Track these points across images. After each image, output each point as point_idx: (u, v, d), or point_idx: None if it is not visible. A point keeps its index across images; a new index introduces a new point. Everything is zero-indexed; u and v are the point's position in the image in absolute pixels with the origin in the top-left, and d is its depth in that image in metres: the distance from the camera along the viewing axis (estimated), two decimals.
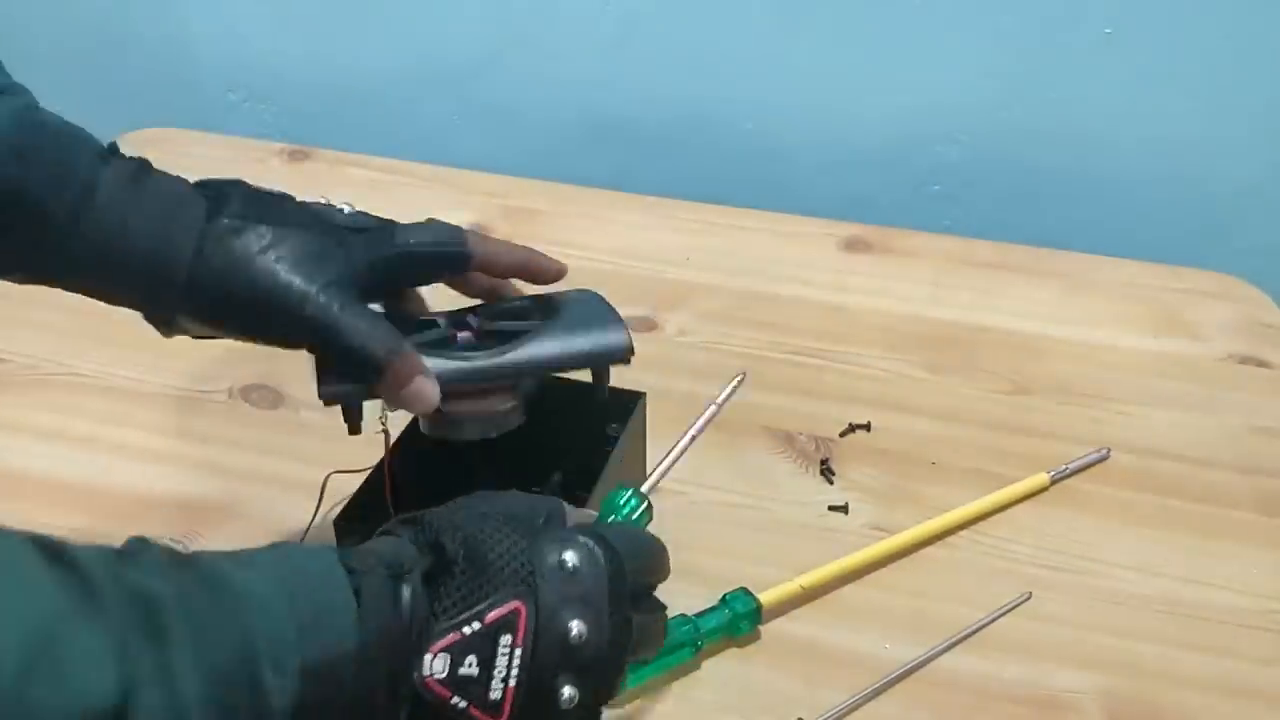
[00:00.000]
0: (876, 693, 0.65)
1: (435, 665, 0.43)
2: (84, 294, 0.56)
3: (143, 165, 0.57)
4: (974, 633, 0.69)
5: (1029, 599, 0.71)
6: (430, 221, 0.61)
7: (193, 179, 0.60)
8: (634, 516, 0.60)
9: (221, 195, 0.57)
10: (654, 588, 0.53)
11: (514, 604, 0.44)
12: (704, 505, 0.77)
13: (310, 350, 0.56)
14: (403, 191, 1.12)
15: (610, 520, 0.60)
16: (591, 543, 0.47)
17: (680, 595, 0.70)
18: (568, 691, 0.45)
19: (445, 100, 1.23)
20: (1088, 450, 0.81)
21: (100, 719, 0.34)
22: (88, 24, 1.30)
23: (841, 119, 1.13)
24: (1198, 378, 0.89)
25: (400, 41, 1.21)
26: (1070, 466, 0.80)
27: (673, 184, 1.15)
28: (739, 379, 0.68)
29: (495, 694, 0.44)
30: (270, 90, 1.29)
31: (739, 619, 0.67)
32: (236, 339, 0.57)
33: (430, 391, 0.55)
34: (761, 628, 0.68)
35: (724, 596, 0.68)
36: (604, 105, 1.19)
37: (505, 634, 0.44)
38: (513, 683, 0.44)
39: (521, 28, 1.17)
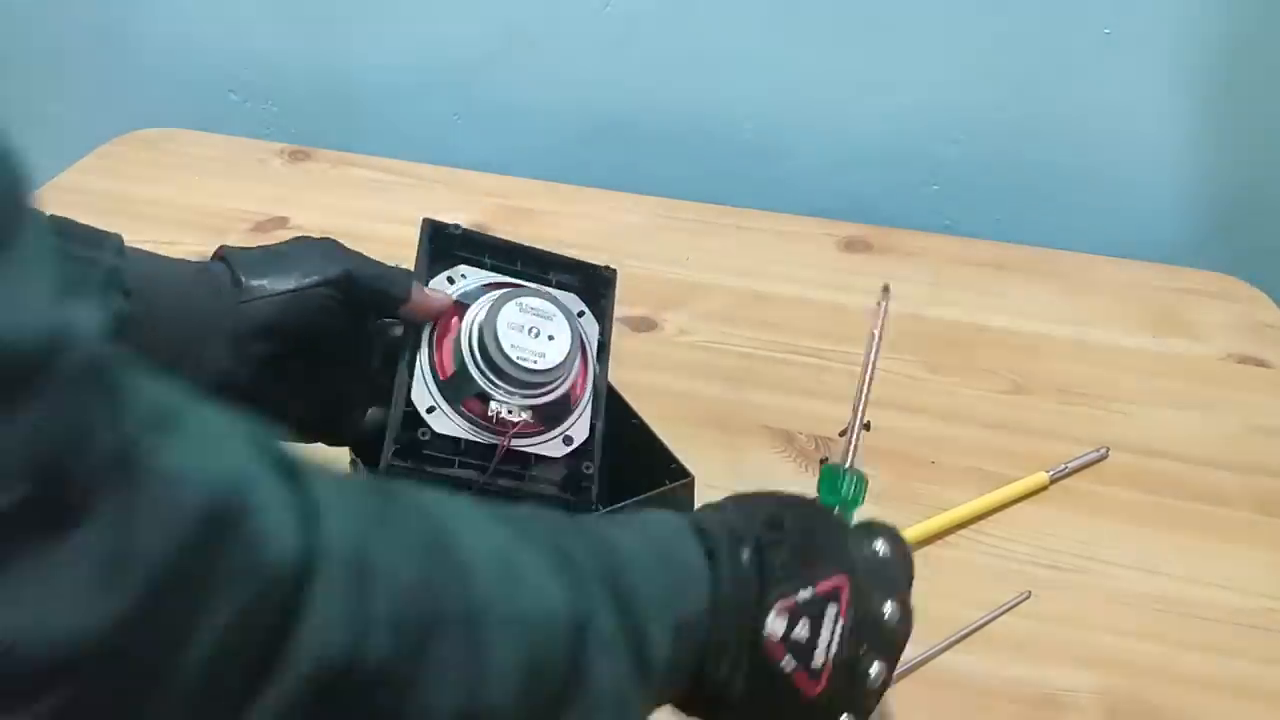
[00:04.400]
0: None
1: (775, 624, 0.45)
2: None
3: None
4: (974, 632, 0.69)
5: (1029, 598, 0.71)
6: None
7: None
8: (858, 495, 0.64)
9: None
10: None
11: (839, 577, 0.47)
12: None
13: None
14: (403, 191, 1.12)
15: (834, 500, 0.64)
16: (897, 534, 0.52)
17: None
18: (876, 669, 0.48)
19: (445, 100, 1.23)
20: (1087, 450, 0.81)
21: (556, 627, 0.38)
22: (88, 24, 1.30)
23: (841, 119, 1.13)
24: (1197, 378, 0.89)
25: (400, 41, 1.21)
26: (1070, 466, 0.80)
27: (673, 184, 1.15)
28: (885, 295, 0.69)
29: (818, 661, 0.46)
30: (270, 90, 1.29)
31: None
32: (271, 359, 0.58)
33: (440, 299, 0.62)
34: None
35: None
36: (604, 105, 1.19)
37: (832, 604, 0.47)
38: (834, 650, 0.46)
39: (522, 28, 1.17)
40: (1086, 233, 1.10)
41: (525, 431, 0.62)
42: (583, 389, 0.65)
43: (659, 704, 0.45)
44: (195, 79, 1.30)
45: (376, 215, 1.07)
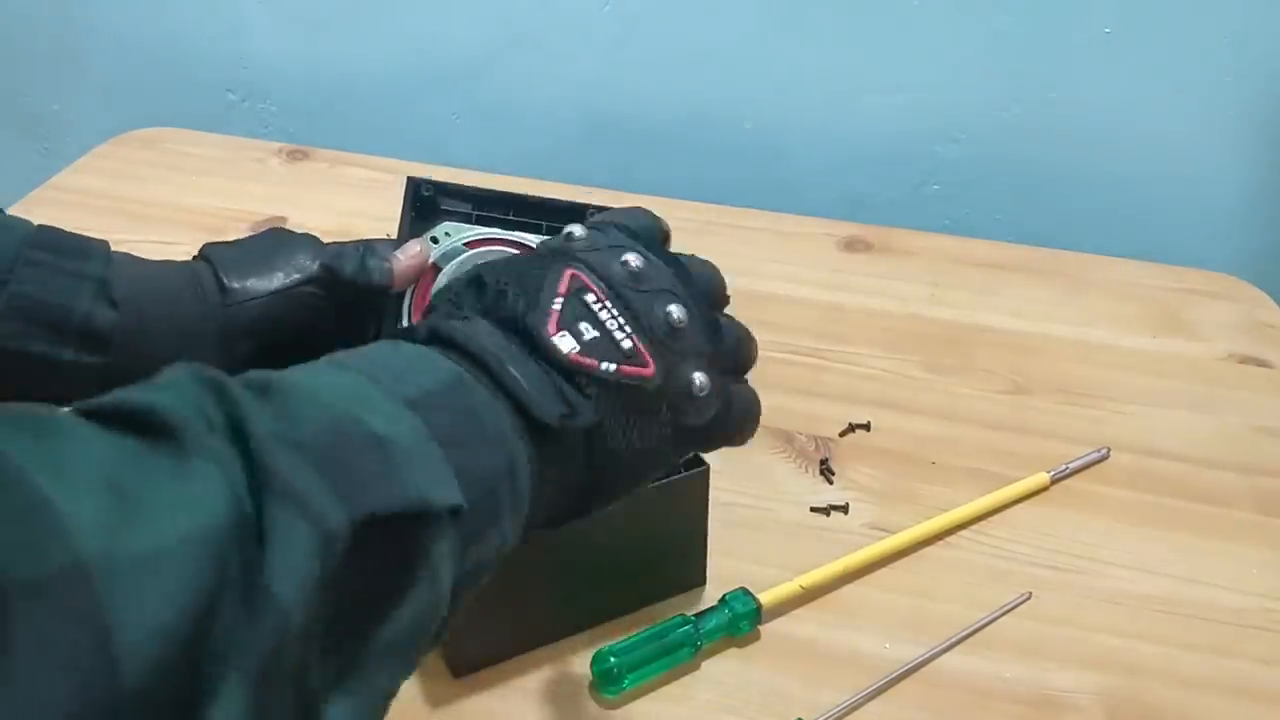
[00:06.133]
0: (876, 693, 0.65)
1: (562, 342, 0.42)
2: (113, 380, 0.56)
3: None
4: (974, 633, 0.69)
5: (1029, 599, 0.71)
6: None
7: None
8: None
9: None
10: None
11: (566, 271, 0.44)
12: None
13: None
14: (401, 192, 1.12)
15: None
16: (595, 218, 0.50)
17: (680, 595, 0.70)
18: (676, 313, 0.45)
19: (445, 100, 1.23)
20: (1087, 450, 0.81)
21: (221, 532, 0.30)
22: (87, 24, 1.30)
23: (841, 119, 1.13)
24: (1198, 378, 0.89)
25: (400, 41, 1.21)
26: (1070, 466, 0.80)
27: (673, 184, 1.15)
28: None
29: (625, 345, 0.43)
30: (270, 90, 1.28)
31: (739, 619, 0.67)
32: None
33: (413, 266, 0.61)
34: (761, 628, 0.68)
35: (724, 596, 0.68)
36: (604, 105, 1.18)
37: (585, 293, 0.43)
38: (629, 324, 0.43)
39: (521, 28, 1.17)
40: (1086, 233, 1.10)
41: None
42: None
43: (525, 482, 0.39)
44: (193, 78, 1.29)
45: (375, 215, 1.06)
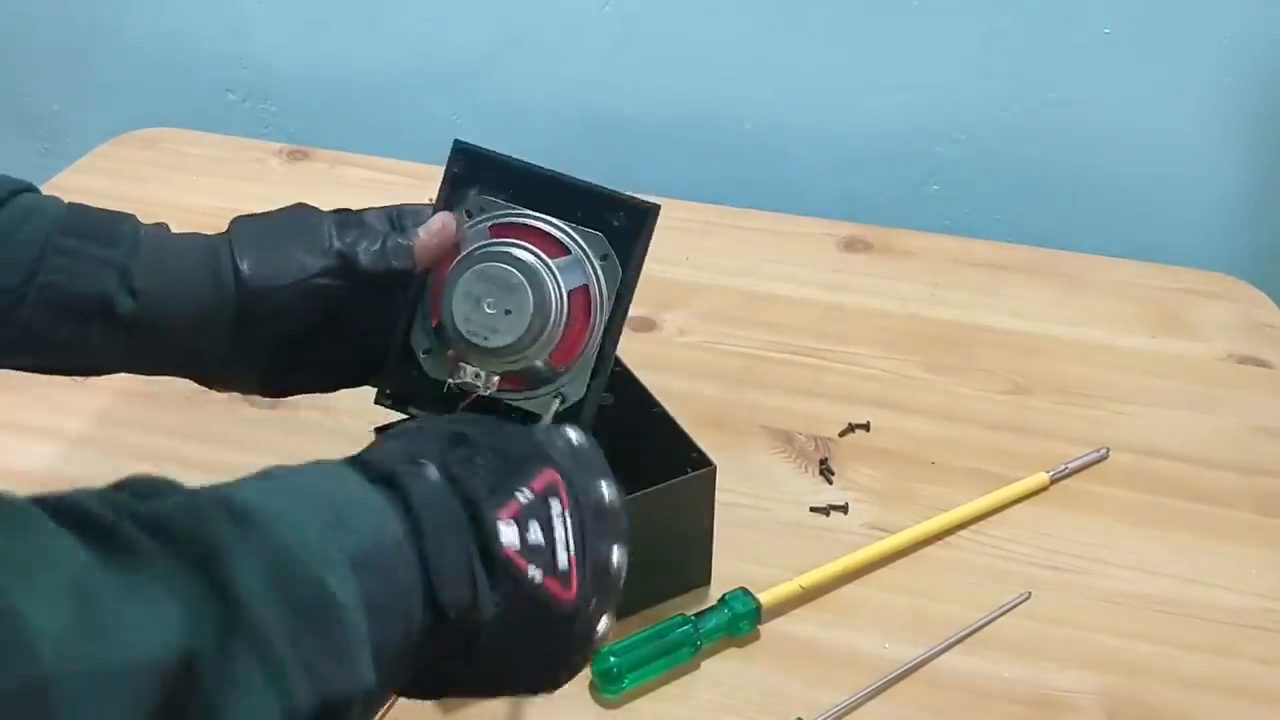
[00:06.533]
0: (876, 693, 0.65)
1: (508, 534, 0.43)
2: (137, 359, 0.57)
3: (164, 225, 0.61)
4: (974, 633, 0.69)
5: (1029, 599, 0.71)
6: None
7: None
8: None
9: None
10: None
11: (547, 472, 0.45)
12: None
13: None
14: (402, 191, 1.11)
15: None
16: (580, 427, 0.51)
17: (680, 595, 0.70)
18: (617, 558, 0.46)
19: (445, 100, 1.23)
20: (1087, 450, 0.81)
21: (165, 671, 0.30)
22: (87, 24, 1.30)
23: (841, 119, 1.13)
24: (1197, 378, 0.89)
25: (400, 41, 1.21)
26: (1070, 466, 0.80)
27: (673, 184, 1.15)
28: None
29: (563, 562, 0.44)
30: (270, 90, 1.28)
31: (739, 619, 0.67)
32: (284, 353, 0.59)
33: (435, 244, 0.60)
34: (761, 628, 0.69)
35: (724, 596, 0.68)
36: (604, 105, 1.19)
37: (553, 500, 0.45)
38: (573, 546, 0.44)
39: (521, 28, 1.17)
40: (1086, 233, 1.11)
41: (511, 385, 0.60)
42: (575, 350, 0.60)
43: (404, 653, 0.40)
44: (193, 78, 1.29)
45: None
